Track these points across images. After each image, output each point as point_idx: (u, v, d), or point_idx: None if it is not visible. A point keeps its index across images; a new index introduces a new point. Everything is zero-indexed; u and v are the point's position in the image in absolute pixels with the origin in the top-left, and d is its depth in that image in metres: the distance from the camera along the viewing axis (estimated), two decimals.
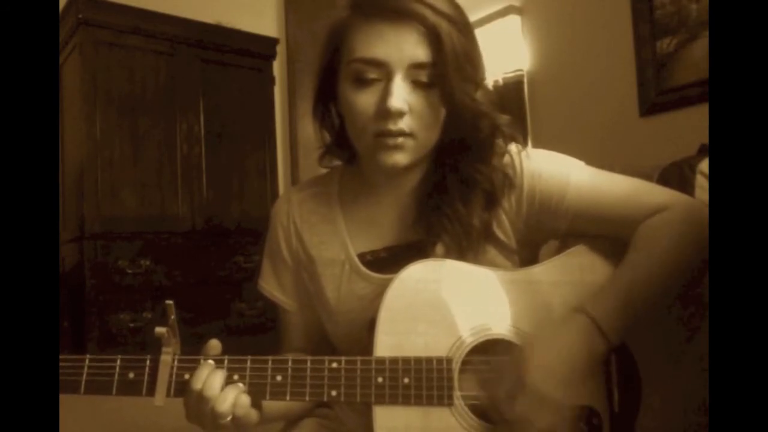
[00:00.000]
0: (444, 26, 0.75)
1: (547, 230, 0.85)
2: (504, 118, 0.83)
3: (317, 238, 0.88)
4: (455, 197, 0.82)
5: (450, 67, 0.75)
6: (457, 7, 0.79)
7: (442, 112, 0.78)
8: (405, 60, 0.75)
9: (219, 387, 0.70)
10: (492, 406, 0.72)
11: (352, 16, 0.78)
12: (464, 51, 0.76)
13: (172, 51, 2.77)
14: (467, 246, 0.80)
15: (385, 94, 0.75)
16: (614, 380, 0.77)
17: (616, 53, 2.48)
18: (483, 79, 0.82)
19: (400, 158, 0.78)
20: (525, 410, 0.69)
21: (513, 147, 0.84)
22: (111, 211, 2.55)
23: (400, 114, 0.75)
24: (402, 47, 0.75)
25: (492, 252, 0.83)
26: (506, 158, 0.83)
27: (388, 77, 0.76)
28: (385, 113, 0.75)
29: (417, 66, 0.75)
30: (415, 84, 0.77)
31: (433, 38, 0.74)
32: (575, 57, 2.64)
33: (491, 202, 0.82)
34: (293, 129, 3.37)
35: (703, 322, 0.78)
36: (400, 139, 0.77)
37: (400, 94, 0.75)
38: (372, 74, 0.76)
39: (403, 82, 0.76)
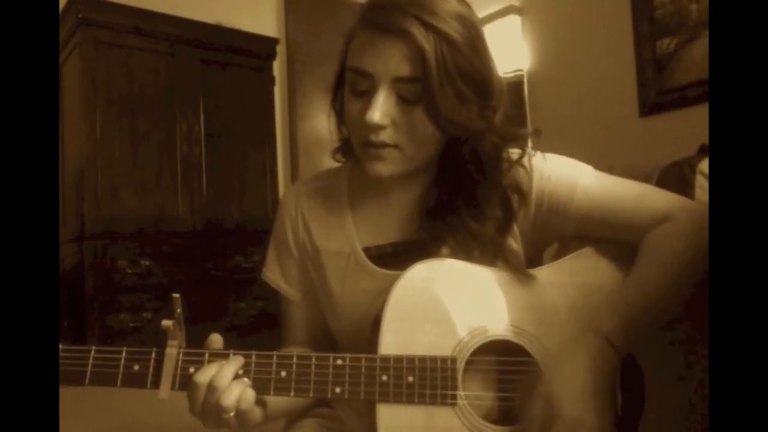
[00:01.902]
0: (432, 45, 0.73)
1: (554, 232, 0.85)
2: (515, 133, 0.82)
3: (324, 230, 0.89)
4: (466, 215, 0.81)
5: (434, 85, 0.73)
6: (466, 24, 0.77)
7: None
8: (390, 74, 0.75)
9: (230, 378, 0.70)
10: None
11: (358, 22, 0.79)
12: (459, 69, 0.74)
13: (172, 51, 2.76)
14: (479, 255, 0.80)
15: (368, 105, 0.76)
16: (618, 385, 0.77)
17: (616, 53, 2.48)
18: (490, 97, 0.79)
19: (383, 168, 0.79)
20: None
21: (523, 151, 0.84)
22: (111, 211, 2.55)
23: (379, 126, 0.76)
24: (388, 61, 0.75)
25: (500, 266, 0.82)
26: (516, 163, 0.83)
27: (374, 89, 0.76)
28: (366, 124, 0.76)
29: (401, 81, 0.75)
30: (401, 98, 0.76)
31: (419, 56, 0.73)
32: (575, 57, 2.64)
33: (506, 223, 0.82)
34: (293, 129, 3.37)
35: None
36: (384, 150, 0.78)
37: (381, 108, 0.75)
38: (362, 85, 0.77)
39: (388, 95, 0.76)
